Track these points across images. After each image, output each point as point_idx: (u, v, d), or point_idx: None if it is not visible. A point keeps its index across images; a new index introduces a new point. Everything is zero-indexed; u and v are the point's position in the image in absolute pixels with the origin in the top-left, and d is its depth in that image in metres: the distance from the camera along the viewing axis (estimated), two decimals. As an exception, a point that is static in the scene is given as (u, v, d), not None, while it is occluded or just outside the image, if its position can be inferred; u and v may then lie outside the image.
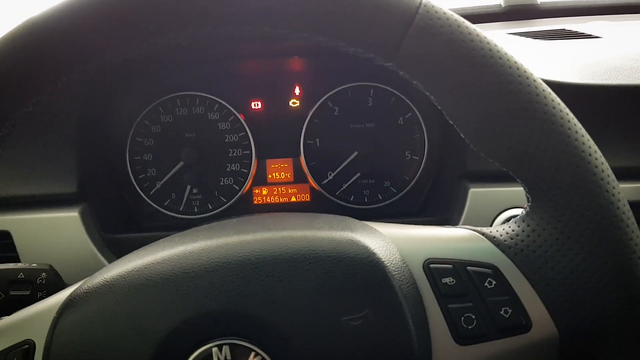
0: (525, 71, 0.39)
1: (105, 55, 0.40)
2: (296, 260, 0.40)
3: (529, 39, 0.98)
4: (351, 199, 0.94)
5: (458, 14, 0.40)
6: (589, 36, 0.95)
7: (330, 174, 0.94)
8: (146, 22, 0.39)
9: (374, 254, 0.40)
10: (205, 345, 0.38)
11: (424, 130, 0.92)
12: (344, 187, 0.93)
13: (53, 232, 0.78)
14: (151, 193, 0.93)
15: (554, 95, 0.40)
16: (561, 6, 1.24)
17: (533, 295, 0.40)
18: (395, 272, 0.40)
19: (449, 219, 0.82)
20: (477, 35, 0.39)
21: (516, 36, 1.00)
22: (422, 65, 0.40)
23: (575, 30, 1.00)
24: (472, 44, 0.39)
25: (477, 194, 0.78)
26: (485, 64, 0.39)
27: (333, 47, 0.41)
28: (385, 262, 0.40)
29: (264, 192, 0.95)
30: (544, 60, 0.84)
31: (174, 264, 0.40)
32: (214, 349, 0.38)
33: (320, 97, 0.93)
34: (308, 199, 0.95)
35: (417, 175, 0.93)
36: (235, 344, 0.38)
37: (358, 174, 0.93)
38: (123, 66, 0.86)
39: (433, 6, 0.39)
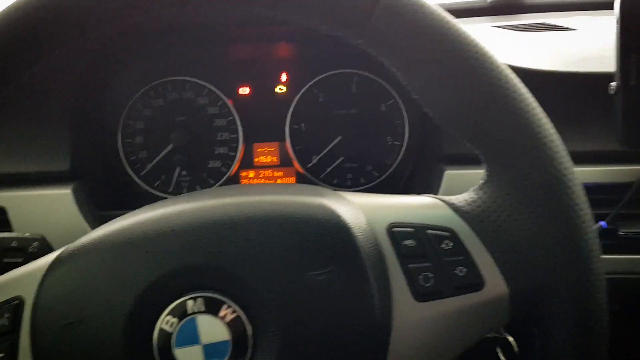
0: (482, 48, 0.42)
1: (100, 27, 0.42)
2: (268, 221, 0.42)
3: (511, 31, 1.01)
4: (335, 182, 0.96)
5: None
6: (566, 29, 0.98)
7: (314, 158, 0.96)
8: None
9: (340, 217, 0.42)
10: (180, 298, 0.40)
11: (405, 116, 0.95)
12: (328, 170, 0.96)
13: (47, 208, 0.81)
14: (142, 174, 0.95)
15: (509, 70, 0.43)
16: (546, 2, 1.27)
17: (487, 256, 0.42)
18: (360, 235, 0.42)
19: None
20: (439, 14, 0.42)
21: (499, 29, 1.03)
22: (387, 42, 0.43)
23: (554, 23, 1.03)
24: (433, 22, 0.42)
25: (451, 175, 0.80)
26: (444, 40, 0.42)
27: (306, 25, 0.44)
28: (351, 225, 0.42)
29: (251, 175, 0.98)
30: (522, 49, 0.87)
31: (154, 224, 0.42)
32: (189, 302, 0.40)
33: (306, 83, 0.95)
34: (293, 182, 0.98)
35: (398, 159, 0.96)
36: (209, 296, 0.40)
37: (341, 158, 0.96)
38: (116, 50, 0.89)
39: None
